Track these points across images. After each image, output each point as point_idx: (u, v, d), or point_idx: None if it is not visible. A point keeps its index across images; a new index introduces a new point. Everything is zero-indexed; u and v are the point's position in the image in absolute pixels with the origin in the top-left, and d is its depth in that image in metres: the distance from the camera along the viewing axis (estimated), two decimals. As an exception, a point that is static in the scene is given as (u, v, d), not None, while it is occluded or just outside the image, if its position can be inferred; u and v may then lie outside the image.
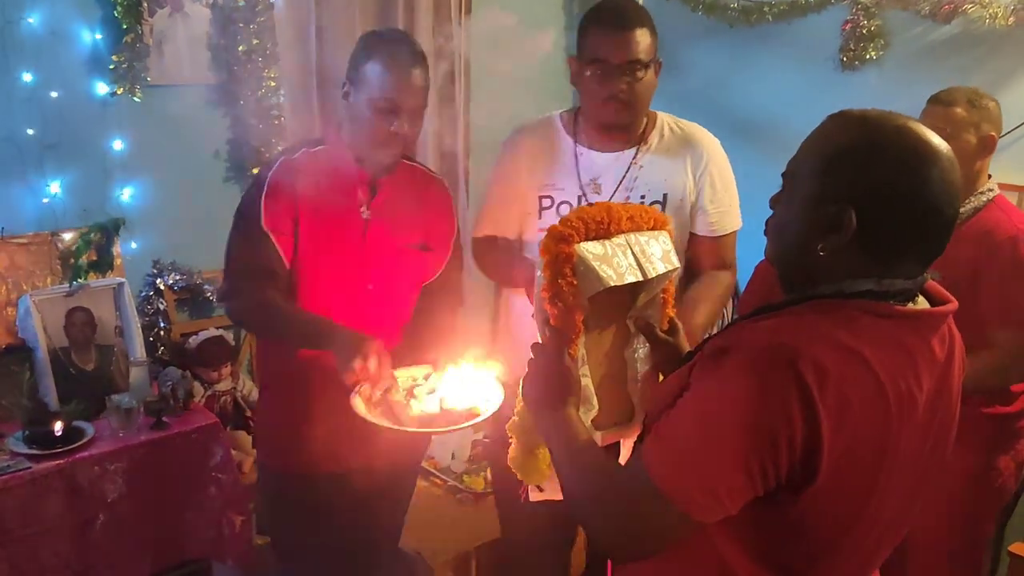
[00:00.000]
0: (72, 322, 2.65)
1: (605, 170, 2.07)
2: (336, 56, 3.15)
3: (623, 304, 1.53)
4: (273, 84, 3.02)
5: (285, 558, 2.16)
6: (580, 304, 1.35)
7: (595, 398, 1.44)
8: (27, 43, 2.59)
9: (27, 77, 2.60)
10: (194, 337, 2.93)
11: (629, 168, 2.07)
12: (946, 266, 2.08)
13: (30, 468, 2.26)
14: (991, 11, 2.85)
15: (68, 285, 2.65)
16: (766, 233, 1.23)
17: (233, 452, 2.68)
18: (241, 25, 2.91)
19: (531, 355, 1.37)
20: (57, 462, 2.30)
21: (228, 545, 2.58)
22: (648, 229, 1.52)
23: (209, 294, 3.03)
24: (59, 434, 2.37)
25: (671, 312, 1.57)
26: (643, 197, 2.06)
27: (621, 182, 2.06)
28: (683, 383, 1.14)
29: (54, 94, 2.65)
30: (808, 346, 1.04)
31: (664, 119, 2.13)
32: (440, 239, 2.07)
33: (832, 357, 1.04)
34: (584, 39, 2.03)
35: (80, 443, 2.37)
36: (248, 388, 3.04)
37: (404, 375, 1.84)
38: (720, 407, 1.06)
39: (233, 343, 3.06)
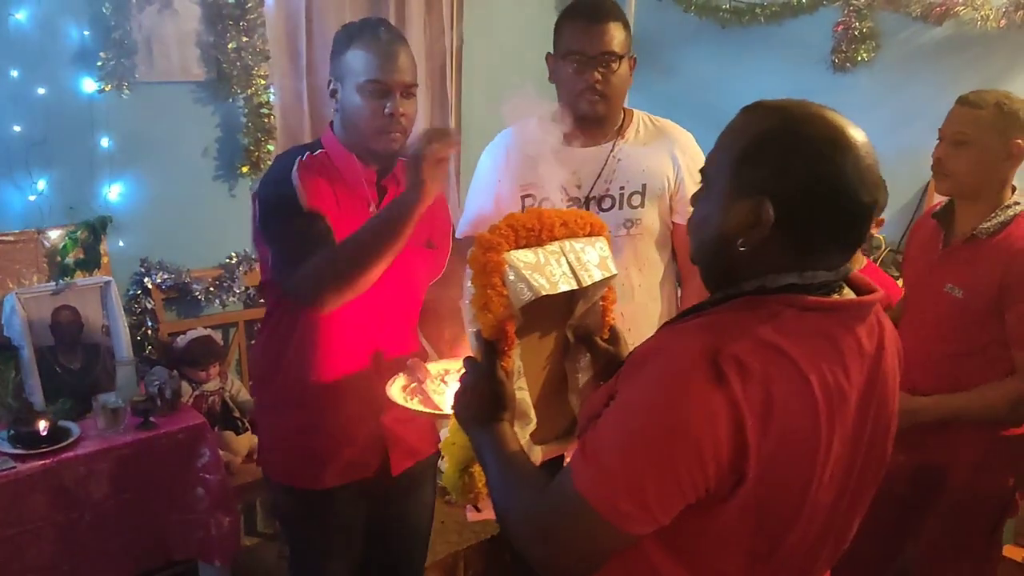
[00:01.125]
0: (58, 321, 2.62)
1: (583, 164, 2.12)
2: (327, 53, 3.14)
3: (561, 313, 1.49)
4: (263, 82, 3.00)
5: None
6: (511, 315, 1.30)
7: (533, 411, 1.38)
8: (14, 39, 2.57)
9: (14, 74, 2.58)
10: (182, 336, 2.91)
11: (607, 161, 2.13)
12: (971, 282, 2.09)
13: (15, 468, 2.24)
14: (982, 13, 2.86)
15: (54, 283, 2.63)
16: (688, 232, 1.21)
17: (221, 452, 2.66)
18: (231, 22, 2.89)
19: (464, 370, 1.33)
20: (42, 462, 2.28)
21: (215, 545, 2.56)
22: (585, 235, 1.47)
23: (197, 293, 3.01)
24: (45, 434, 2.35)
25: (611, 320, 1.53)
26: (622, 188, 2.12)
27: (600, 175, 2.12)
28: (611, 392, 1.10)
29: (41, 91, 2.63)
30: (730, 345, 1.01)
31: (640, 115, 2.20)
32: (442, 236, 2.07)
33: (755, 355, 1.02)
34: (560, 34, 2.09)
35: (66, 443, 2.35)
36: (236, 388, 3.02)
37: (437, 367, 1.83)
38: (643, 415, 1.02)
39: (221, 343, 3.05)
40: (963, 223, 2.15)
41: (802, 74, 3.35)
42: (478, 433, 1.27)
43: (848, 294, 1.15)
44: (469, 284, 1.33)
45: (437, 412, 1.69)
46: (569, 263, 1.40)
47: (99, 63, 2.69)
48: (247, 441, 2.91)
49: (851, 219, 1.09)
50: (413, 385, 1.77)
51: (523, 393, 1.37)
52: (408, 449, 2.02)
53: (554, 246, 1.40)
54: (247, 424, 2.95)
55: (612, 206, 2.13)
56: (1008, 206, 2.10)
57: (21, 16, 2.56)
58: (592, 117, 2.07)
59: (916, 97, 3.12)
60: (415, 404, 1.71)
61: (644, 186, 2.12)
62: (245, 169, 3.06)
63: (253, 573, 3.09)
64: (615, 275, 1.49)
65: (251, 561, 3.15)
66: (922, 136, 3.05)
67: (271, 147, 3.06)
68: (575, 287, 1.39)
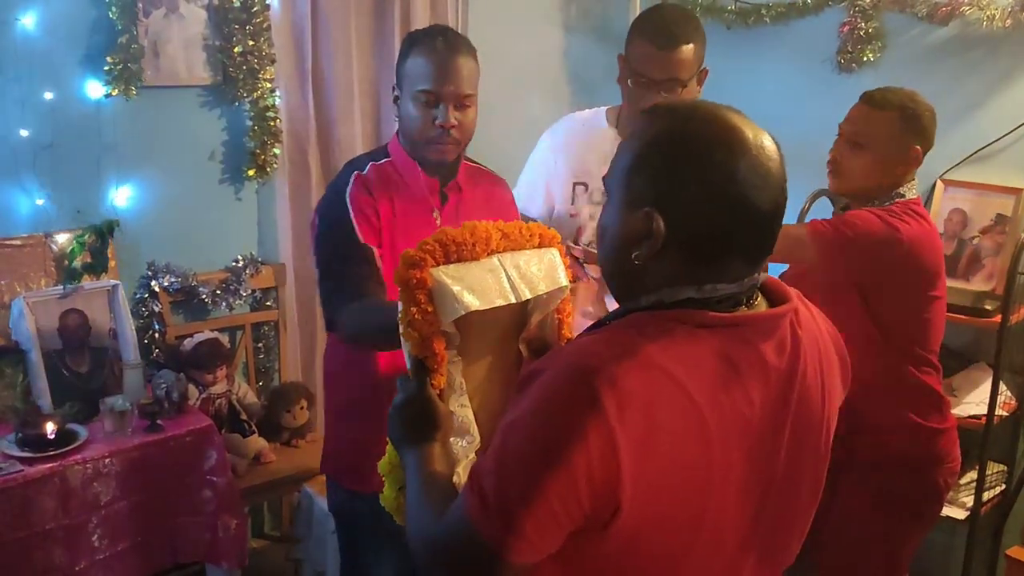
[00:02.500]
0: (66, 324, 2.63)
1: None
2: (333, 57, 3.16)
3: (513, 327, 1.45)
4: (269, 85, 3.01)
5: None
6: (438, 332, 1.26)
7: (475, 428, 1.35)
8: (20, 44, 2.58)
9: (20, 78, 2.59)
10: (189, 339, 2.92)
11: None
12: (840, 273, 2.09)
13: (23, 471, 2.24)
14: (988, 13, 2.84)
15: (62, 287, 2.64)
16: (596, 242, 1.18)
17: (228, 455, 2.66)
18: (236, 26, 2.90)
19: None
20: (50, 465, 2.28)
21: (222, 548, 2.57)
22: (532, 247, 1.43)
23: (204, 296, 3.02)
24: (52, 437, 2.35)
25: (568, 333, 1.48)
26: None
27: None
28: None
29: (48, 95, 2.64)
30: (611, 366, 0.95)
31: None
32: None
33: (639, 377, 0.95)
34: (631, 47, 2.06)
35: (73, 446, 2.35)
36: (243, 391, 3.03)
37: None
38: (519, 439, 0.97)
39: (228, 346, 3.05)
40: None
41: (807, 75, 3.34)
42: (406, 453, 1.24)
43: (761, 305, 1.09)
44: (398, 302, 1.30)
45: None
46: (508, 277, 1.35)
47: (106, 67, 2.69)
48: (254, 443, 2.92)
49: (750, 228, 1.03)
50: None
51: (465, 410, 1.33)
52: None
53: (492, 260, 1.35)
54: (254, 427, 2.95)
55: None
56: (889, 197, 2.09)
57: (28, 21, 2.57)
58: None
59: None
60: None
61: None
62: (251, 172, 3.06)
63: (261, 575, 3.10)
64: (565, 287, 1.44)
65: (259, 563, 3.15)
66: (928, 136, 3.05)
67: (277, 150, 3.07)
68: (512, 301, 1.34)
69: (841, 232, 2.04)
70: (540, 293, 1.39)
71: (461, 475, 1.25)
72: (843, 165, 2.13)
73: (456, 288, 1.27)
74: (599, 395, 0.93)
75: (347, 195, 1.85)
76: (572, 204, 2.21)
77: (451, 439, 1.30)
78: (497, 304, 1.32)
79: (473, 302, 1.28)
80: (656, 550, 1.01)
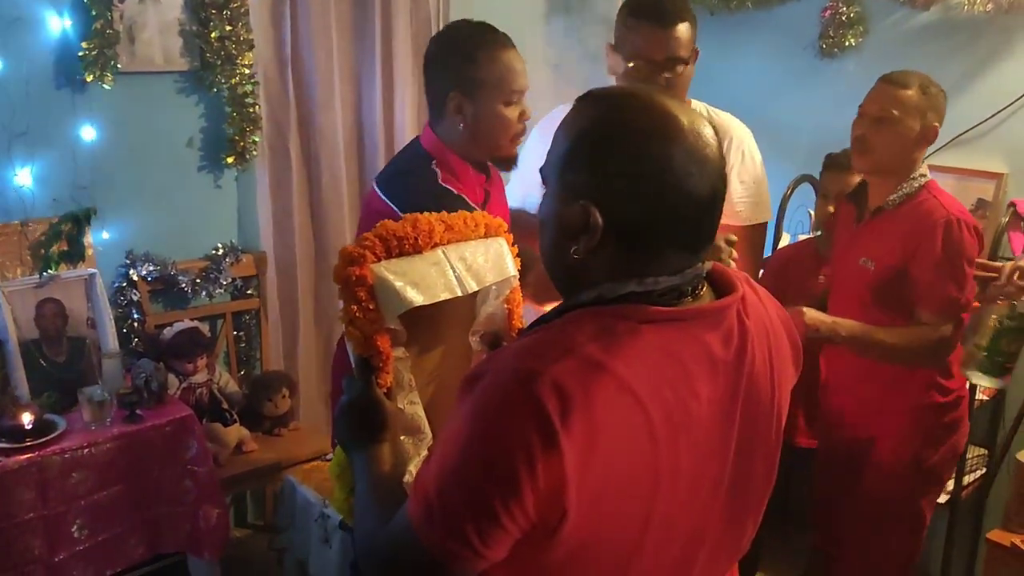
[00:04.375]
0: (43, 314, 2.60)
1: None
2: (312, 42, 3.13)
3: (462, 320, 1.42)
4: (247, 71, 2.97)
5: None
6: (381, 330, 1.24)
7: (427, 425, 1.33)
8: (-7, 29, 2.54)
9: (-6, 64, 2.55)
10: (168, 329, 2.89)
11: None
12: (880, 253, 2.18)
13: (0, 462, 2.22)
14: (970, -2, 2.85)
15: (38, 276, 2.60)
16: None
17: (209, 444, 2.65)
18: (213, 11, 2.86)
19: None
20: (28, 455, 2.26)
21: (204, 538, 2.55)
22: (478, 237, 1.40)
23: (184, 285, 2.99)
24: (30, 427, 2.33)
25: (518, 323, 1.46)
26: None
27: None
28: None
29: (22, 81, 2.60)
30: (551, 368, 0.91)
31: (700, 106, 2.18)
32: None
33: (579, 378, 0.92)
34: (627, 31, 2.04)
35: (52, 436, 2.33)
36: (224, 380, 3.01)
37: None
38: (460, 445, 0.94)
39: (208, 335, 3.03)
40: (874, 199, 2.24)
41: (790, 60, 3.34)
42: (354, 454, 1.21)
43: (707, 295, 1.06)
44: (339, 300, 1.27)
45: None
46: (454, 269, 1.33)
47: (81, 53, 2.65)
48: (235, 433, 2.90)
49: (687, 217, 1.00)
50: None
51: (415, 407, 1.31)
52: None
53: (436, 253, 1.33)
54: (235, 416, 2.93)
55: None
56: (914, 178, 2.18)
57: (0, 6, 2.53)
58: None
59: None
60: None
61: None
62: (230, 160, 3.03)
63: (243, 565, 3.09)
64: (514, 276, 1.42)
65: (241, 553, 3.14)
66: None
67: (256, 138, 3.04)
68: (458, 294, 1.32)
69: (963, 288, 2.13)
70: (487, 284, 1.37)
71: (412, 473, 1.23)
72: (870, 141, 2.18)
73: (398, 284, 1.24)
74: (541, 400, 0.90)
75: (439, 182, 1.86)
76: None
77: (401, 437, 1.28)
78: (442, 298, 1.29)
79: (416, 297, 1.25)
80: (605, 553, 0.99)
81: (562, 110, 2.32)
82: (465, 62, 1.85)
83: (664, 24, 1.97)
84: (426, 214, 1.35)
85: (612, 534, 0.98)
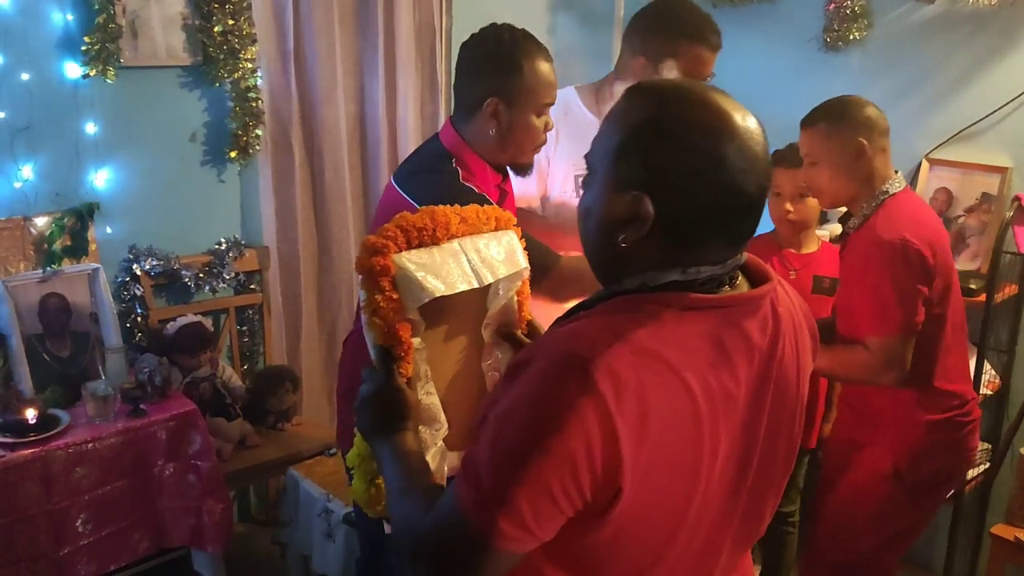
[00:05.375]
0: (46, 308, 2.60)
1: None
2: (315, 36, 3.12)
3: (474, 312, 1.43)
4: (250, 66, 2.97)
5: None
6: (403, 319, 1.25)
7: (443, 416, 1.34)
8: (-4, 24, 2.54)
9: (-3, 59, 2.55)
10: (172, 323, 2.89)
11: None
12: (843, 274, 2.19)
13: (4, 456, 2.22)
14: (975, -9, 2.84)
15: (42, 271, 2.61)
16: (578, 220, 1.14)
17: (212, 439, 2.64)
18: (216, 5, 2.85)
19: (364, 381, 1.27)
20: (32, 450, 2.26)
21: (207, 532, 2.55)
22: (490, 231, 1.42)
23: (187, 279, 2.99)
24: (34, 422, 2.33)
25: (528, 315, 1.48)
26: None
27: None
28: (497, 398, 1.04)
29: (25, 76, 2.59)
30: (604, 352, 0.95)
31: None
32: None
33: (631, 363, 0.96)
34: (671, 48, 2.19)
35: (55, 431, 2.33)
36: (228, 374, 3.01)
37: None
38: (516, 428, 0.96)
39: (212, 329, 3.03)
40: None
41: (793, 54, 3.33)
42: (378, 444, 1.22)
43: (743, 284, 1.10)
44: (359, 290, 1.27)
45: None
46: (469, 261, 1.34)
47: (84, 47, 2.65)
48: (239, 427, 2.90)
49: (736, 213, 1.03)
50: None
51: (431, 398, 1.32)
52: None
53: (453, 244, 1.34)
54: (238, 411, 2.94)
55: None
56: (875, 196, 2.13)
57: (3, 1, 2.53)
58: None
59: (908, 76, 3.10)
60: None
61: None
62: (233, 154, 3.03)
63: (247, 560, 3.09)
64: (525, 268, 1.44)
65: (245, 548, 3.15)
66: (914, 115, 3.05)
67: (259, 132, 3.03)
68: (475, 286, 1.33)
69: (892, 319, 2.07)
70: (501, 276, 1.38)
71: (431, 463, 1.25)
72: (813, 186, 2.26)
73: (420, 274, 1.25)
74: (596, 382, 0.93)
75: (460, 180, 1.86)
76: (578, 196, 2.22)
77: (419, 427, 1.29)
78: (460, 289, 1.30)
79: (438, 287, 1.26)
80: (648, 532, 1.02)
81: (570, 107, 2.32)
82: (510, 71, 1.87)
83: (718, 47, 2.19)
84: (442, 206, 1.36)
85: (657, 514, 1.02)
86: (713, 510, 1.08)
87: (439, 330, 1.35)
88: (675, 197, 1.01)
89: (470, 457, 1.01)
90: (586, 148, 2.13)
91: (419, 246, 1.30)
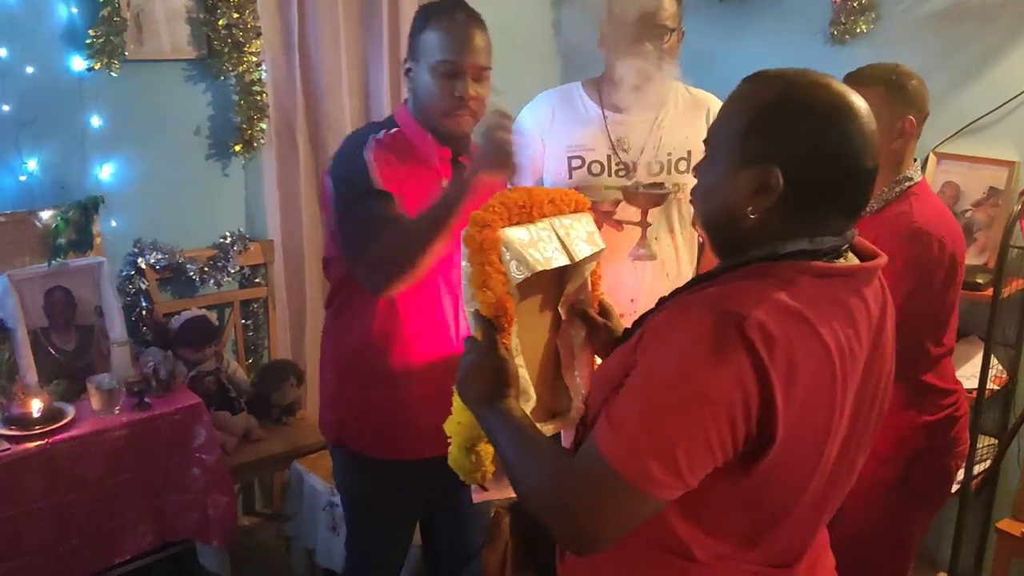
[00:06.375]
0: (51, 302, 2.60)
1: (630, 130, 2.20)
2: (319, 29, 3.11)
3: (552, 290, 1.49)
4: (255, 59, 2.97)
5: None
6: (510, 291, 1.31)
7: (532, 389, 1.38)
8: (1, 17, 2.53)
9: (1, 52, 2.55)
10: (177, 317, 2.90)
11: (652, 129, 2.19)
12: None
13: (9, 449, 2.23)
14: (983, -17, 2.82)
15: (47, 264, 2.61)
16: (691, 201, 1.24)
17: (217, 432, 2.65)
18: (220, -1, 2.86)
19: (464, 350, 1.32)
20: (37, 443, 2.27)
21: (212, 526, 2.56)
22: (570, 212, 1.48)
23: (192, 273, 2.99)
24: (39, 415, 2.34)
25: (600, 294, 1.54)
26: (669, 155, 2.20)
27: (647, 142, 2.19)
28: (628, 362, 1.11)
29: (29, 69, 2.60)
30: (753, 311, 1.03)
31: (677, 86, 2.26)
32: None
33: (777, 320, 1.03)
34: (616, 5, 2.12)
35: (60, 424, 2.33)
36: (233, 368, 3.01)
37: None
38: (673, 381, 1.03)
39: (216, 323, 3.03)
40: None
41: (800, 47, 3.31)
42: (486, 412, 1.27)
43: (851, 258, 1.17)
44: (465, 263, 1.32)
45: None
46: (560, 239, 1.40)
47: (88, 41, 2.65)
48: (243, 421, 2.91)
49: (856, 184, 1.12)
50: None
51: (523, 370, 1.36)
52: None
53: (544, 223, 1.41)
54: (243, 404, 2.94)
55: (660, 171, 2.19)
56: (897, 181, 2.08)
57: (8, -6, 2.53)
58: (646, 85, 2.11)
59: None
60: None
61: (689, 152, 2.19)
62: (238, 148, 3.03)
63: (251, 553, 3.10)
64: (603, 249, 1.50)
65: (249, 541, 3.16)
66: (921, 109, 3.02)
67: (264, 125, 3.03)
68: (568, 262, 1.39)
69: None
70: (586, 255, 1.45)
71: None
72: None
73: (523, 249, 1.32)
74: (751, 338, 1.01)
75: (366, 151, 1.84)
76: (570, 179, 2.21)
77: None
78: (556, 264, 1.37)
79: (540, 262, 1.33)
80: (785, 484, 1.11)
81: (547, 95, 2.33)
82: (416, 30, 1.88)
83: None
84: (534, 187, 1.45)
85: (795, 466, 1.10)
86: (830, 466, 1.15)
87: (524, 304, 1.40)
88: (804, 169, 1.09)
89: (616, 411, 1.07)
90: (580, 134, 2.15)
91: (518, 223, 1.36)
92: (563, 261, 1.39)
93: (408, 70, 1.91)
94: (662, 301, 1.20)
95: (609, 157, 2.19)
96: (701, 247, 2.36)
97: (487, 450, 1.37)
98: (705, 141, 1.20)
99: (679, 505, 1.09)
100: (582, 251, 1.44)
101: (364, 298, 1.89)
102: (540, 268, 1.33)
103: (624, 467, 1.04)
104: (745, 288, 1.08)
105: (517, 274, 1.31)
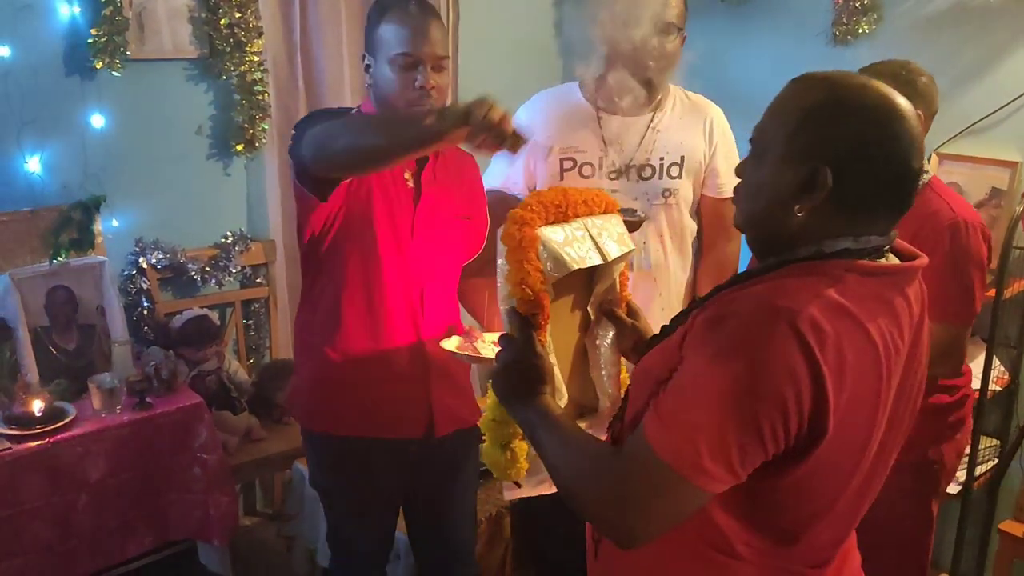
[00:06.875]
0: (53, 301, 2.60)
1: (623, 133, 2.18)
2: (321, 29, 3.11)
3: (581, 290, 1.51)
4: (256, 59, 2.96)
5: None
6: (547, 289, 1.32)
7: (564, 387, 1.39)
8: (3, 17, 2.53)
9: (4, 51, 2.55)
10: (178, 317, 2.90)
11: (647, 132, 2.18)
12: None
13: (10, 449, 2.22)
14: (985, -16, 2.82)
15: (48, 263, 2.61)
16: (735, 201, 1.24)
17: (218, 432, 2.64)
18: (223, -2, 2.85)
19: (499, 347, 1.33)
20: (38, 442, 2.26)
21: (213, 525, 2.55)
22: (600, 213, 1.50)
23: (193, 273, 2.99)
24: (40, 414, 2.34)
25: (628, 295, 1.55)
26: (662, 159, 2.18)
27: (640, 144, 2.18)
28: (672, 358, 1.12)
29: (32, 69, 2.59)
30: (806, 306, 1.05)
31: (676, 90, 2.26)
32: (478, 209, 2.09)
33: (828, 317, 1.05)
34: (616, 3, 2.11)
35: (61, 423, 2.33)
36: (234, 368, 3.01)
37: (492, 336, 1.85)
38: (725, 375, 1.04)
39: (218, 323, 3.03)
40: None
41: (803, 48, 3.31)
42: (523, 409, 1.27)
43: (892, 258, 1.19)
44: (502, 261, 1.34)
45: (484, 357, 1.76)
46: (593, 239, 1.43)
47: (90, 40, 2.65)
48: (244, 421, 2.90)
49: (903, 184, 1.13)
50: (467, 344, 1.83)
51: (555, 368, 1.37)
52: (453, 415, 2.03)
53: (578, 223, 1.43)
54: (244, 404, 2.94)
55: (652, 175, 2.18)
56: None
57: (10, -8, 2.53)
58: (644, 84, 2.12)
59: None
60: (467, 354, 1.77)
61: (683, 158, 2.18)
62: (240, 148, 3.03)
63: (252, 552, 3.10)
64: (633, 250, 1.52)
65: (250, 540, 3.15)
66: (923, 109, 3.02)
67: (266, 125, 3.03)
68: (600, 262, 1.42)
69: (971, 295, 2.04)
70: (617, 255, 1.47)
71: None
72: None
73: (559, 248, 1.33)
74: (803, 333, 1.03)
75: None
76: (561, 180, 2.20)
77: None
78: (590, 264, 1.39)
79: (575, 260, 1.35)
80: (831, 477, 1.13)
81: (543, 96, 2.32)
82: (372, 23, 1.88)
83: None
84: (569, 187, 1.46)
85: (842, 460, 1.12)
86: (868, 467, 1.17)
87: (557, 304, 1.41)
88: (853, 169, 1.10)
89: (665, 404, 1.08)
90: (573, 135, 2.16)
91: (553, 222, 1.38)
92: (596, 260, 1.41)
93: (368, 66, 1.91)
94: (703, 299, 1.21)
95: (601, 158, 2.17)
96: (697, 252, 2.34)
97: (521, 447, 1.39)
98: (751, 140, 1.20)
99: (723, 499, 1.10)
100: (613, 251, 1.46)
101: (332, 288, 1.92)
102: (575, 267, 1.35)
103: (675, 459, 1.05)
104: (795, 285, 1.09)
105: (553, 273, 1.33)
